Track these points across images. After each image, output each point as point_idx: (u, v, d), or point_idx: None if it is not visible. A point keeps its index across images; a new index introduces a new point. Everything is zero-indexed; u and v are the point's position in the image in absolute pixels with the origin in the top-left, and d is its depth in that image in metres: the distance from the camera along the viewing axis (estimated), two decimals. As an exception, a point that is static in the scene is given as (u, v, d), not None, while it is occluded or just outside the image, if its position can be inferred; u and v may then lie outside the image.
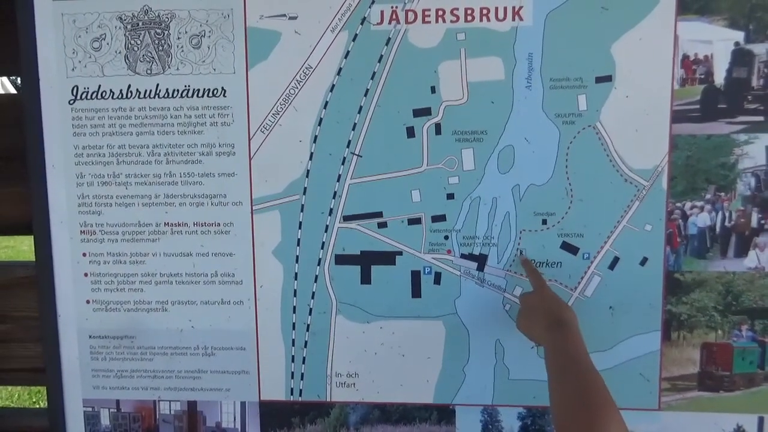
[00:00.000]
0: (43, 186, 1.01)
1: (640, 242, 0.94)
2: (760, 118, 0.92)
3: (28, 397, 2.90)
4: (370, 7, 0.93)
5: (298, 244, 0.98)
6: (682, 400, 0.96)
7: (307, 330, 1.00)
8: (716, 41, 0.91)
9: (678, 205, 0.93)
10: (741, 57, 0.91)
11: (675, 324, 0.95)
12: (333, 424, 1.02)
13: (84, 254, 1.02)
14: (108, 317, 1.03)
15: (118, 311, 1.02)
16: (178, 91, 0.98)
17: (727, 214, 0.94)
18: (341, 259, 0.98)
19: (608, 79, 0.92)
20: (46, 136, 1.00)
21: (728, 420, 0.97)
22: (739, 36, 0.91)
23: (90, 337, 1.03)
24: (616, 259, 0.94)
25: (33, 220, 1.01)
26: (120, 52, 0.98)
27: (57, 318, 1.03)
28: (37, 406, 2.77)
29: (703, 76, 0.92)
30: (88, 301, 1.03)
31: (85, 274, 1.02)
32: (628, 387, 0.96)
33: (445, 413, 1.00)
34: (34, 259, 1.02)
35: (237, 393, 1.03)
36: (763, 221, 0.93)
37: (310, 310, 0.99)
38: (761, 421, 0.96)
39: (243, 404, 1.03)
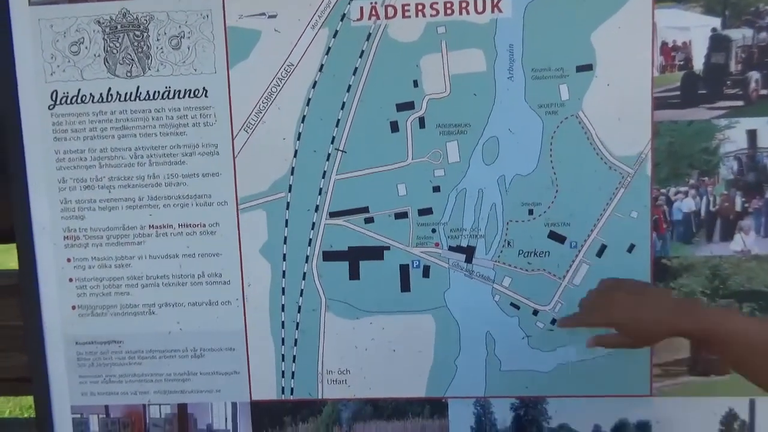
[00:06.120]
0: (24, 192, 1.00)
1: (627, 229, 0.94)
2: (740, 103, 0.92)
3: (20, 412, 2.86)
4: (349, 4, 0.93)
5: (285, 242, 0.98)
6: (673, 385, 0.96)
7: (297, 328, 0.99)
8: (694, 28, 0.92)
9: (662, 191, 0.94)
10: (718, 43, 0.92)
11: (663, 310, 0.95)
12: (325, 421, 1.01)
13: (68, 259, 1.01)
14: (94, 322, 1.01)
15: (104, 316, 1.01)
16: (159, 92, 0.97)
17: (711, 199, 0.94)
18: (329, 256, 0.98)
19: (589, 68, 0.92)
20: (26, 142, 0.99)
21: (720, 404, 0.97)
22: (716, 22, 0.91)
23: (76, 343, 1.02)
24: (603, 247, 0.95)
25: (15, 227, 1.00)
26: (99, 56, 0.98)
27: (42, 325, 1.01)
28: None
29: (682, 63, 0.92)
30: (73, 307, 1.02)
31: (70, 280, 1.01)
32: (619, 374, 0.96)
33: (437, 407, 1.00)
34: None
35: (228, 394, 1.02)
36: (746, 204, 0.94)
37: (299, 307, 0.99)
38: (752, 403, 0.96)
39: (234, 405, 1.02)
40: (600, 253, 0.95)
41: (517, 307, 0.96)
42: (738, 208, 0.94)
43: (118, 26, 0.97)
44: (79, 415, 1.04)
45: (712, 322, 0.69)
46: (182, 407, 1.03)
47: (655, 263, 0.95)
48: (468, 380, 0.98)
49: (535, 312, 0.96)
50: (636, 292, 0.78)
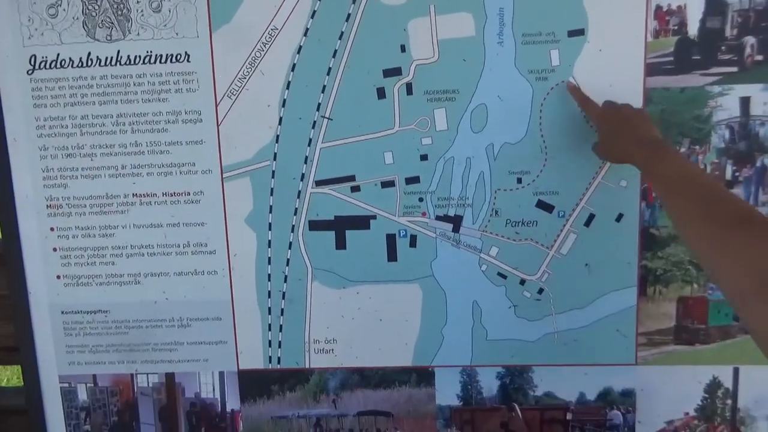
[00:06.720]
0: (5, 160, 0.98)
1: (616, 198, 0.93)
2: (734, 69, 0.90)
3: (18, 381, 2.88)
4: (335, -36, 0.90)
5: (271, 211, 0.97)
6: (658, 354, 0.97)
7: (283, 297, 0.99)
8: (689, -9, 0.89)
9: (653, 159, 0.92)
10: (714, 6, 0.89)
11: (651, 279, 0.95)
12: (312, 390, 1.02)
13: (52, 229, 1.00)
14: (80, 292, 1.01)
15: (89, 286, 1.01)
16: (140, 57, 0.95)
17: (702, 167, 0.93)
18: (315, 225, 0.97)
19: (581, 32, 0.90)
20: (5, 109, 0.97)
21: (704, 372, 0.98)
22: (713, -16, 0.89)
23: (62, 312, 1.02)
24: (591, 216, 0.94)
25: (-3, 196, 0.99)
26: (78, 18, 0.95)
27: (28, 295, 1.01)
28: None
29: (676, 27, 0.90)
30: (58, 277, 1.01)
31: (54, 249, 1.00)
32: (605, 343, 0.96)
33: (424, 375, 1.00)
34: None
35: (215, 363, 1.02)
36: (737, 173, 0.93)
37: (286, 277, 0.98)
38: (736, 371, 0.97)
39: (222, 374, 1.03)
40: (588, 223, 0.94)
41: (504, 277, 0.96)
42: (728, 176, 0.93)
43: (97, -13, 0.94)
44: (67, 384, 1.04)
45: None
46: (170, 376, 1.03)
47: (643, 232, 0.94)
48: (454, 349, 0.98)
49: (522, 281, 0.96)
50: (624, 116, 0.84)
